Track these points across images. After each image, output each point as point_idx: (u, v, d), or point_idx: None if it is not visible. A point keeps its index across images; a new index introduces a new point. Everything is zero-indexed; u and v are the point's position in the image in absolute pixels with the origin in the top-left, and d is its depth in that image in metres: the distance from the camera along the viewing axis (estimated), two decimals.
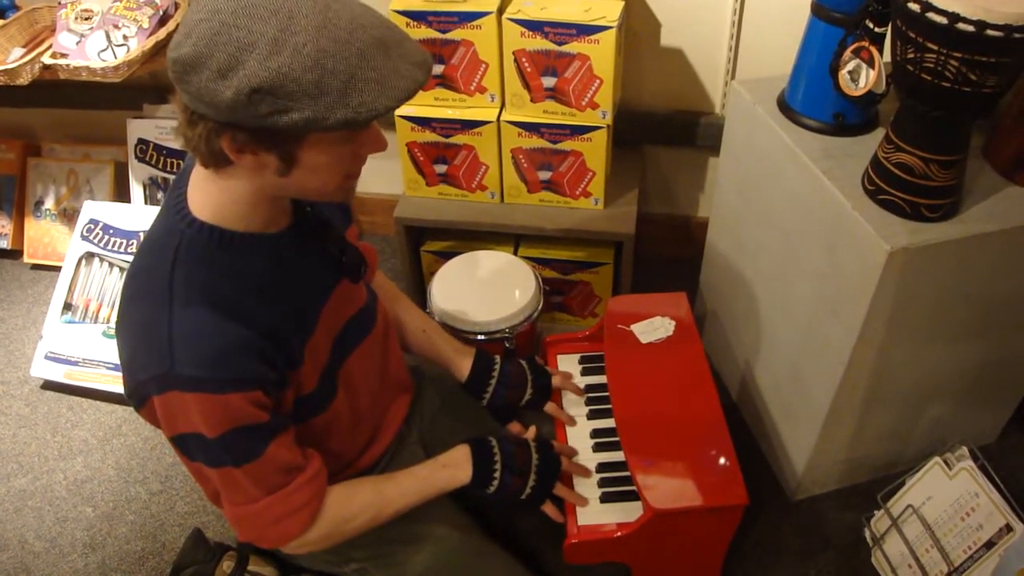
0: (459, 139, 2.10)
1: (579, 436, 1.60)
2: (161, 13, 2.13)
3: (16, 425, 2.29)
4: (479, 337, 1.91)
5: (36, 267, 2.79)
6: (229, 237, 1.10)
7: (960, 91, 1.28)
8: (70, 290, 2.39)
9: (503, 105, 2.07)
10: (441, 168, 2.18)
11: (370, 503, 1.30)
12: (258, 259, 1.13)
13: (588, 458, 1.56)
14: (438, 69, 2.02)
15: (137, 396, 1.10)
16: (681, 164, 2.46)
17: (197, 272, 1.08)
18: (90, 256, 2.41)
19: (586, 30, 1.86)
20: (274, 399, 1.13)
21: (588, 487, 1.50)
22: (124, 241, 2.38)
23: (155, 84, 2.52)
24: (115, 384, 2.27)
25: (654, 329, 1.67)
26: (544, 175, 2.14)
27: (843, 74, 1.58)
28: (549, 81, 1.97)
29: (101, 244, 2.40)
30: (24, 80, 2.08)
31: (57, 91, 2.47)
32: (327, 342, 1.26)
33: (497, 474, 1.38)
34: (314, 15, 0.91)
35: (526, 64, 1.95)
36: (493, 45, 1.96)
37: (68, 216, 2.74)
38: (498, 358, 1.62)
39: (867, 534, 1.87)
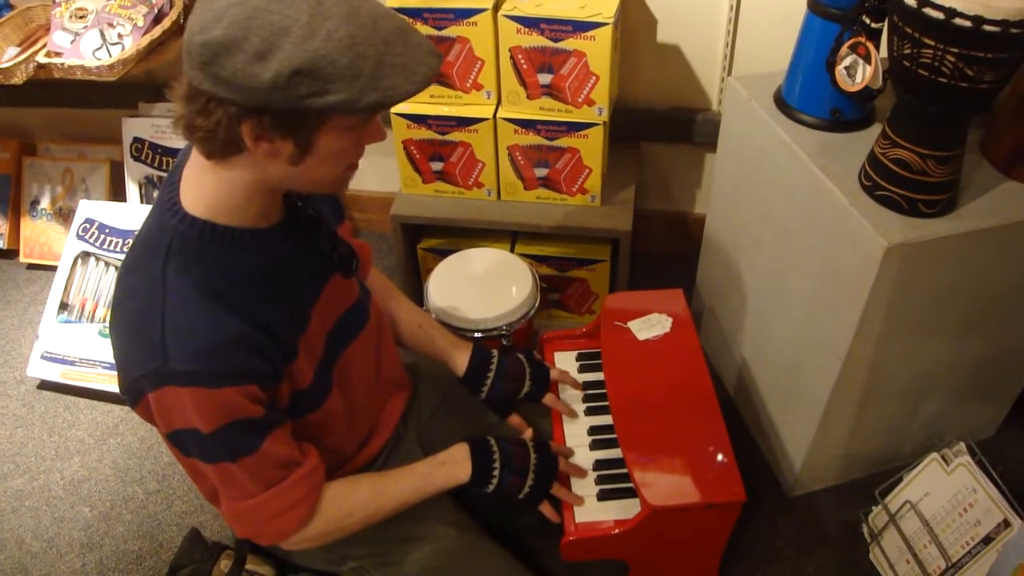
0: (455, 136, 2.09)
1: (576, 433, 1.60)
2: (156, 11, 2.13)
3: (13, 425, 2.28)
4: (476, 335, 1.90)
5: (32, 267, 2.79)
6: (222, 232, 1.10)
7: (957, 87, 1.28)
8: (66, 290, 2.38)
9: (499, 102, 2.07)
10: (437, 165, 2.18)
11: (368, 500, 1.30)
12: (250, 254, 1.13)
13: (585, 455, 1.55)
14: None
15: (132, 393, 1.10)
16: (678, 161, 2.46)
17: (190, 267, 1.08)
18: (86, 255, 2.40)
19: (582, 26, 1.86)
20: (269, 394, 1.14)
21: (586, 484, 1.50)
22: (120, 240, 2.37)
23: (150, 82, 2.51)
24: (112, 383, 2.26)
25: (651, 326, 1.67)
26: (540, 172, 2.14)
27: (840, 70, 1.58)
28: (545, 78, 1.97)
29: (97, 243, 2.39)
30: (19, 79, 2.07)
31: (52, 90, 2.46)
32: (321, 337, 1.26)
33: (496, 473, 1.38)
34: (342, 2, 0.93)
35: (522, 61, 1.95)
36: (489, 42, 1.95)
37: (64, 215, 2.74)
38: (495, 352, 1.62)
39: (865, 530, 1.87)
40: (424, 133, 2.10)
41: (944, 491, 1.72)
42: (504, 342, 1.93)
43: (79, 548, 1.99)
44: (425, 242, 2.36)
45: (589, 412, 1.63)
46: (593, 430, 1.60)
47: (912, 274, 1.48)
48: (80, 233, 2.41)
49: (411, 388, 1.60)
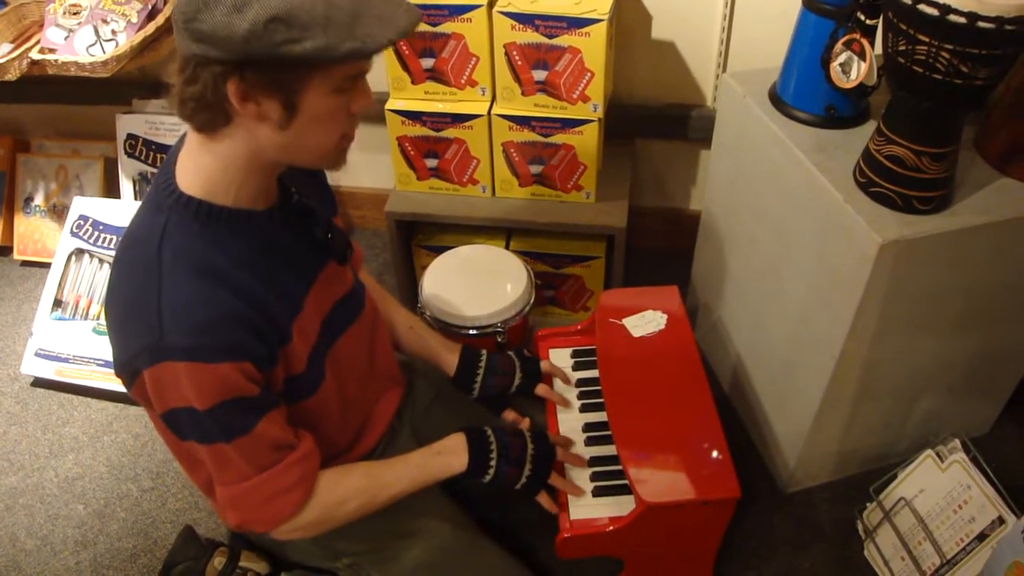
0: (450, 133, 2.09)
1: (571, 430, 1.60)
2: (150, 8, 2.12)
3: (6, 423, 2.28)
4: (471, 332, 1.90)
5: (26, 264, 2.78)
6: (217, 211, 1.11)
7: (951, 83, 1.28)
8: (60, 287, 2.38)
9: (494, 98, 2.07)
10: (432, 162, 2.17)
11: (363, 487, 1.30)
12: (245, 236, 1.14)
13: (580, 452, 1.55)
14: (428, 63, 2.01)
15: (127, 372, 1.10)
16: (673, 157, 2.46)
17: (186, 244, 1.09)
18: (80, 252, 2.40)
19: (577, 23, 1.85)
20: (265, 375, 1.14)
21: (581, 481, 1.50)
22: (114, 237, 2.37)
23: (144, 79, 2.51)
24: (106, 381, 2.26)
25: (646, 323, 1.67)
26: (535, 169, 2.13)
27: (834, 66, 1.58)
28: (540, 74, 1.96)
29: (91, 240, 2.38)
30: (12, 76, 2.06)
31: (46, 86, 2.45)
32: (316, 323, 1.26)
33: (493, 463, 1.38)
34: None
35: (517, 57, 1.95)
36: (484, 38, 1.95)
37: (58, 212, 2.73)
38: (484, 351, 1.62)
39: (860, 526, 1.88)
40: (419, 130, 2.10)
41: (939, 488, 1.72)
42: (499, 339, 1.93)
43: (73, 546, 1.98)
44: (420, 239, 2.35)
45: (584, 409, 1.63)
46: (588, 427, 1.60)
47: (907, 271, 1.48)
48: (74, 230, 2.40)
49: (406, 384, 1.60)
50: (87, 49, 2.09)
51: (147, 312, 1.06)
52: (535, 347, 1.78)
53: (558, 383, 1.68)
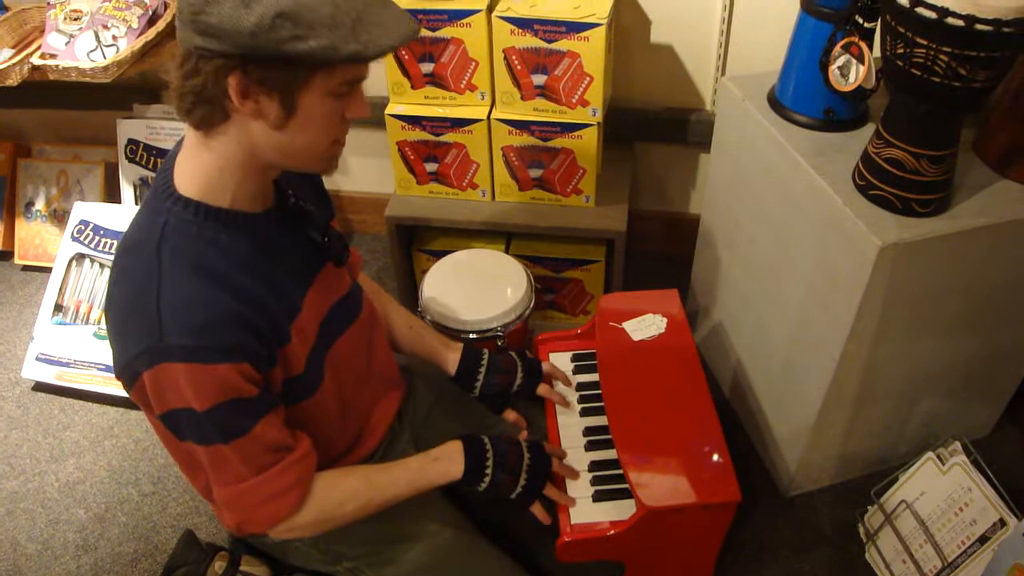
0: (449, 137, 2.09)
1: (572, 434, 1.59)
2: (150, 13, 2.12)
3: (7, 427, 2.28)
4: (471, 336, 1.90)
5: (27, 268, 2.78)
6: (215, 212, 1.12)
7: (950, 86, 1.28)
8: (61, 291, 2.38)
9: (493, 103, 2.07)
10: (432, 167, 2.18)
11: (360, 490, 1.31)
12: (243, 237, 1.15)
13: (580, 456, 1.55)
14: (428, 67, 2.01)
15: (127, 374, 1.11)
16: (672, 161, 2.46)
17: (184, 245, 1.10)
18: (81, 257, 2.40)
19: (576, 27, 1.86)
20: (263, 376, 1.15)
21: (581, 485, 1.50)
22: (115, 242, 2.37)
23: (145, 84, 2.51)
24: (106, 385, 2.26)
25: (646, 326, 1.67)
26: (535, 173, 2.14)
27: (833, 70, 1.58)
28: (539, 79, 1.97)
29: (92, 245, 2.39)
30: (13, 81, 2.07)
31: (47, 92, 2.45)
32: (314, 324, 1.27)
33: (489, 471, 1.38)
34: None
35: (516, 62, 1.95)
36: (483, 43, 1.95)
37: (58, 217, 2.73)
38: (486, 350, 1.62)
39: (861, 530, 1.87)
40: (418, 134, 2.10)
41: (940, 491, 1.72)
42: (499, 343, 1.93)
43: (74, 550, 1.98)
44: (420, 243, 2.36)
45: (584, 413, 1.63)
46: (588, 431, 1.60)
47: (906, 273, 1.48)
48: (75, 235, 2.40)
49: (405, 388, 1.60)
50: (88, 55, 2.10)
51: (146, 313, 1.06)
52: (535, 351, 1.78)
53: (559, 384, 1.68)
